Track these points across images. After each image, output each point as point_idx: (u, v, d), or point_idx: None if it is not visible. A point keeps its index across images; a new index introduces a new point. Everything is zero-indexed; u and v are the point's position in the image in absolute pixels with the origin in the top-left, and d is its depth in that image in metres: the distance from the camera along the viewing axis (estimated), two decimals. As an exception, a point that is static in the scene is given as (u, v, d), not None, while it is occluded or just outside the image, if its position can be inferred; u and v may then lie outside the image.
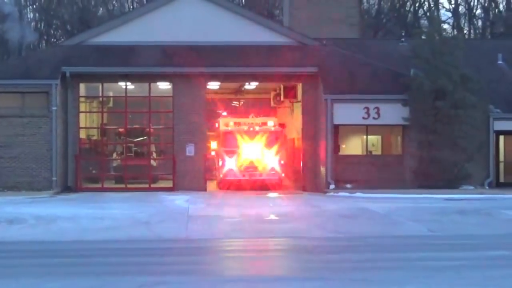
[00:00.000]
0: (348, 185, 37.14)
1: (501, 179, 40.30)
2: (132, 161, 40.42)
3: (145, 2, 67.65)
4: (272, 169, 39.70)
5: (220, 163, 40.53)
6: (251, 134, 39.98)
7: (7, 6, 60.98)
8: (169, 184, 38.68)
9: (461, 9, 72.08)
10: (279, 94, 43.39)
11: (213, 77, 39.32)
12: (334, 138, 37.91)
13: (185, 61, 38.19)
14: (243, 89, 44.51)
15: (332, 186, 37.08)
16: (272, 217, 27.34)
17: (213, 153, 43.46)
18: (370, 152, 40.45)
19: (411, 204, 30.96)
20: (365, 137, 40.04)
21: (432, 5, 72.11)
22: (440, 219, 26.01)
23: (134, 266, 17.07)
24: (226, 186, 39.47)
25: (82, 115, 39.49)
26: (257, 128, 40.20)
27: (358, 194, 35.11)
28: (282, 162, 40.26)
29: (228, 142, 40.01)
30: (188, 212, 27.95)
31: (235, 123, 40.79)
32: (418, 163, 37.37)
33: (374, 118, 37.85)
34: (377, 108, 37.77)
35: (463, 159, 37.23)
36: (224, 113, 45.93)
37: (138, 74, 38.49)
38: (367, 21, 70.93)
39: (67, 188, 37.51)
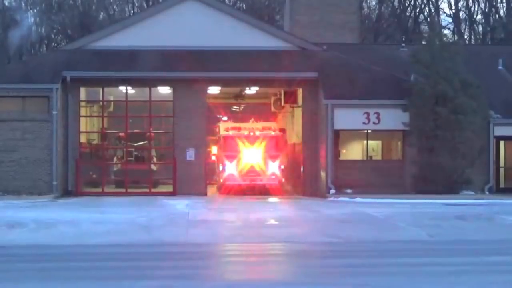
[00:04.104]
0: (348, 190, 37.12)
1: (501, 185, 40.26)
2: (133, 165, 40.41)
3: (145, 6, 67.78)
4: (273, 173, 39.68)
5: (221, 167, 40.53)
6: (252, 139, 39.96)
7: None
8: (170, 188, 38.66)
9: (462, 14, 72.26)
10: (279, 99, 43.35)
11: (214, 81, 39.33)
12: (334, 143, 37.92)
13: (186, 66, 38.21)
14: (243, 94, 44.48)
15: (332, 191, 37.07)
16: (272, 221, 27.35)
17: (213, 157, 43.46)
18: (371, 157, 40.46)
19: (411, 209, 30.99)
20: (365, 142, 40.04)
21: (432, 11, 72.29)
22: (440, 224, 25.99)
23: (134, 271, 17.08)
24: (226, 191, 39.45)
25: (82, 120, 39.48)
26: (257, 133, 40.17)
27: (358, 199, 35.11)
28: (283, 167, 40.23)
29: (229, 147, 40.00)
30: (188, 216, 27.95)
31: (235, 128, 40.75)
32: (418, 168, 37.33)
33: (374, 123, 37.86)
34: (377, 113, 37.78)
35: (463, 165, 37.21)
36: (225, 118, 45.88)
37: (138, 79, 38.49)
38: (367, 26, 71.02)
39: (67, 192, 37.49)
